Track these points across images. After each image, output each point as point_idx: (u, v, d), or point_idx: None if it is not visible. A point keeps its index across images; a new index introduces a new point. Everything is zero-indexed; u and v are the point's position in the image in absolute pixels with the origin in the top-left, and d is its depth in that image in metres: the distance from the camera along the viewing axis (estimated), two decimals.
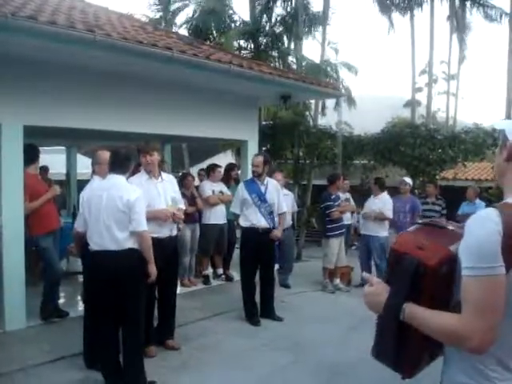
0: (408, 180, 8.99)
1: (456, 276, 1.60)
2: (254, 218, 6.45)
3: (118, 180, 4.37)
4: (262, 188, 6.52)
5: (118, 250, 4.24)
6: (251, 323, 6.38)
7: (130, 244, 4.28)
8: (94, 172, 5.23)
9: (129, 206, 4.21)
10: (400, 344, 1.69)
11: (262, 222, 6.47)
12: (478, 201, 9.27)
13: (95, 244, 4.32)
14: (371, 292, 1.77)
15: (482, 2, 17.58)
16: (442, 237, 1.72)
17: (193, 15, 16.86)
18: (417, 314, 1.59)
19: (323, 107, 19.68)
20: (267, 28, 15.41)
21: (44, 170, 9.50)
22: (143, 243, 4.33)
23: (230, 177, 8.94)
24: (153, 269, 4.44)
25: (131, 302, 4.34)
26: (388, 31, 18.73)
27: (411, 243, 1.71)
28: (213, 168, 8.54)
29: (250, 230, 6.47)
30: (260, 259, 6.56)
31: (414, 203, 8.71)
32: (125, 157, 4.49)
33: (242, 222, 6.56)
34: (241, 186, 6.66)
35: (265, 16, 15.76)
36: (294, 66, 15.06)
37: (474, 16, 19.46)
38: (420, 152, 10.90)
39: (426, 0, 16.07)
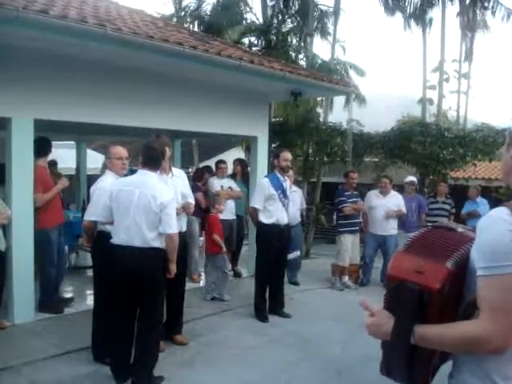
0: (414, 179, 8.97)
1: (467, 281, 1.58)
2: (279, 215, 6.43)
3: (150, 178, 4.35)
4: (284, 184, 6.55)
5: (143, 247, 4.22)
6: (260, 320, 6.37)
7: (157, 244, 4.27)
8: (105, 167, 5.21)
9: (161, 208, 4.21)
10: (411, 362, 1.64)
11: (285, 219, 6.50)
12: (479, 199, 9.34)
13: (120, 239, 4.29)
14: (374, 323, 1.70)
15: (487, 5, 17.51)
16: (437, 249, 1.65)
17: (205, 11, 16.83)
18: (429, 333, 1.55)
19: (331, 106, 19.59)
20: (278, 26, 15.32)
21: (52, 164, 9.51)
22: (171, 244, 4.32)
23: (236, 171, 8.95)
24: (174, 268, 4.43)
25: (149, 300, 4.34)
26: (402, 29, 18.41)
27: (408, 267, 1.63)
28: (217, 164, 8.58)
29: (273, 226, 6.41)
30: (276, 255, 6.56)
31: (420, 202, 8.68)
32: (161, 153, 4.49)
33: (265, 219, 6.40)
34: (265, 181, 6.47)
35: (276, 13, 15.69)
36: (304, 64, 14.98)
37: (485, 14, 19.25)
38: (430, 150, 10.83)
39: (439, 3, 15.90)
